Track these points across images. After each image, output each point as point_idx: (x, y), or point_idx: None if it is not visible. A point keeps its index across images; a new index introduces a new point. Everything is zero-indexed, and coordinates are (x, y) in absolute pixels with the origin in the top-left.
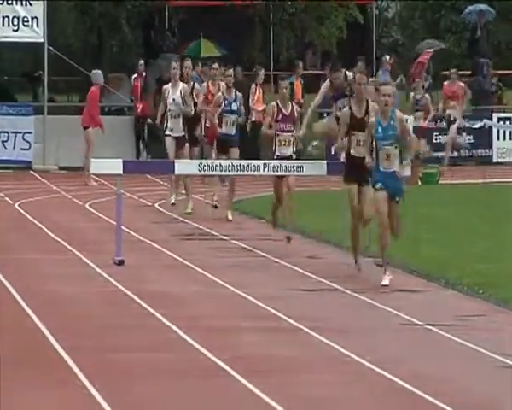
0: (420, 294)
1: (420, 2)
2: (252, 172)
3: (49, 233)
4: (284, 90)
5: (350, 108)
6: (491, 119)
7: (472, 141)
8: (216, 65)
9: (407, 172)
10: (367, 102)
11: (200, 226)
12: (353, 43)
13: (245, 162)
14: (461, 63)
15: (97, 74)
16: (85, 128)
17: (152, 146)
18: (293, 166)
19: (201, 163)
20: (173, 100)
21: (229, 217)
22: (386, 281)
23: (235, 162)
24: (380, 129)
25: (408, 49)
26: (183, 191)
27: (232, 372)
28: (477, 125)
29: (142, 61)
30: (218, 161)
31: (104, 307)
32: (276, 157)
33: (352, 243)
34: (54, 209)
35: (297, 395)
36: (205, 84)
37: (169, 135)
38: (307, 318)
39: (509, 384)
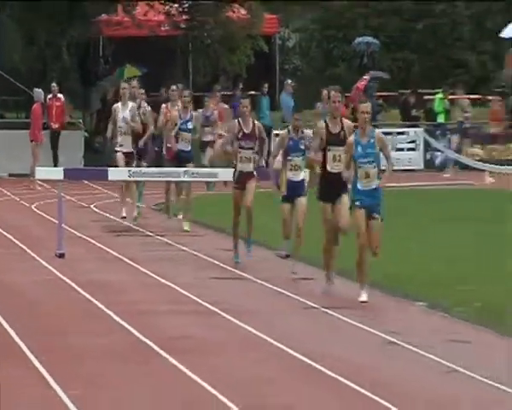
0: (317, 281)
1: (316, 34)
2: (174, 179)
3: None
4: (245, 109)
5: (326, 123)
6: None
7: None
8: (135, 83)
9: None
10: (341, 119)
11: (130, 225)
12: (260, 69)
13: (168, 170)
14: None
15: (38, 93)
16: (32, 141)
17: (87, 156)
18: (210, 173)
19: (130, 170)
20: (123, 118)
21: (186, 228)
22: (363, 297)
23: (160, 170)
24: (359, 147)
25: (307, 75)
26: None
27: (158, 350)
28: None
29: (54, 83)
30: (144, 169)
31: (47, 295)
32: (238, 174)
33: (325, 259)
34: (4, 210)
35: (217, 371)
36: (164, 105)
37: (119, 151)
38: (222, 303)
39: (393, 358)
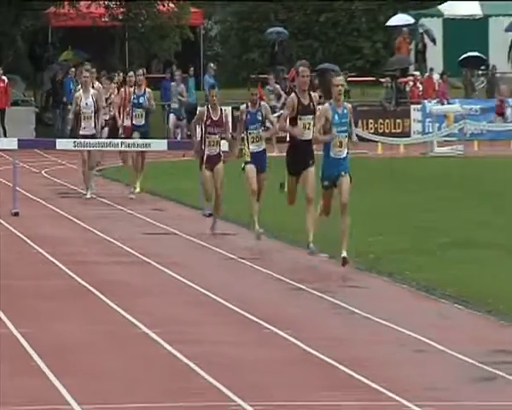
0: (235, 236)
1: (235, 25)
2: (113, 148)
3: None
4: (214, 98)
5: (297, 95)
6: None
7: None
8: (88, 66)
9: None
10: (309, 92)
11: (75, 188)
12: (187, 55)
13: (107, 141)
14: (263, 70)
15: None
16: None
17: (38, 129)
18: (144, 144)
19: (75, 141)
20: (86, 104)
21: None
22: (344, 253)
23: (100, 141)
24: (336, 116)
25: (227, 60)
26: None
27: (97, 293)
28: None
29: None
30: (88, 140)
31: (2, 246)
32: (206, 157)
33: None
34: None
35: (148, 311)
36: (122, 89)
37: (83, 134)
38: (153, 254)
39: (298, 299)
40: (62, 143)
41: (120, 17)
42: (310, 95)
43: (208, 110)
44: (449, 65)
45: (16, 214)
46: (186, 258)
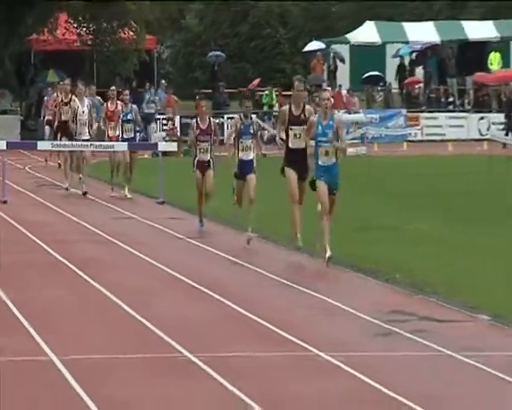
0: (183, 220)
1: (182, 49)
2: (84, 149)
3: None
4: (203, 109)
5: (289, 107)
6: None
7: None
8: (67, 81)
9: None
10: (303, 104)
11: (53, 180)
12: (143, 73)
13: (79, 143)
14: (204, 86)
15: None
16: None
17: (23, 133)
18: (108, 145)
19: (53, 143)
20: (83, 112)
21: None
22: (329, 253)
23: (75, 143)
24: (320, 127)
25: (175, 77)
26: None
27: (73, 267)
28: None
29: None
30: (64, 142)
31: None
32: (196, 161)
33: (293, 221)
34: None
35: (115, 282)
36: (105, 103)
37: (82, 136)
38: (118, 235)
39: (237, 273)
40: (42, 145)
41: (89, 43)
42: (303, 107)
43: (197, 121)
44: (354, 82)
45: (5, 202)
46: (145, 238)
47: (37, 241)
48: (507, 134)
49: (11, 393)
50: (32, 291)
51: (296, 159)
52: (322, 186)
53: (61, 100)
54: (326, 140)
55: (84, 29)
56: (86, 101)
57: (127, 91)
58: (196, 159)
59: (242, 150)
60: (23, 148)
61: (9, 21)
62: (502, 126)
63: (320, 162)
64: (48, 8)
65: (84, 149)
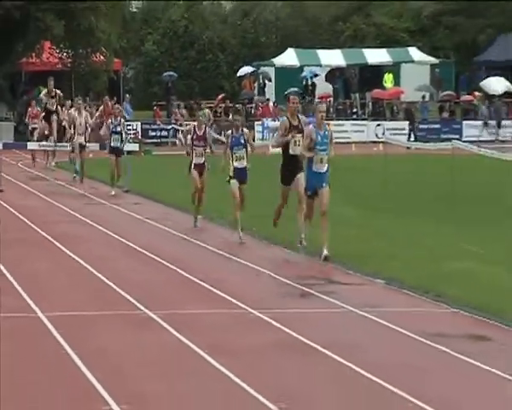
0: (143, 205)
1: (142, 70)
2: (62, 149)
3: None
4: (200, 118)
5: (287, 117)
6: None
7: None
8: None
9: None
10: (298, 115)
11: (40, 174)
12: (112, 88)
13: (61, 144)
14: (160, 100)
15: None
16: None
17: (15, 136)
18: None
19: (40, 143)
20: (80, 124)
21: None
22: (325, 252)
23: (57, 144)
24: (319, 136)
25: (137, 92)
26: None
27: (54, 241)
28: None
29: None
30: (45, 143)
31: None
32: (193, 165)
33: (276, 215)
34: None
35: (88, 253)
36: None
37: (76, 144)
38: (90, 216)
39: (181, 245)
40: (31, 145)
41: (68, 65)
42: (298, 117)
43: (195, 127)
44: (279, 97)
45: (1, 191)
46: (114, 219)
47: (27, 222)
48: (409, 138)
49: (4, 344)
50: (23, 261)
51: (293, 164)
52: (310, 200)
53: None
54: (323, 149)
55: (65, 54)
56: (84, 113)
57: (117, 106)
58: (193, 162)
59: (236, 160)
60: (16, 148)
61: (3, 49)
62: (395, 131)
63: (314, 168)
64: (35, 38)
65: (62, 149)
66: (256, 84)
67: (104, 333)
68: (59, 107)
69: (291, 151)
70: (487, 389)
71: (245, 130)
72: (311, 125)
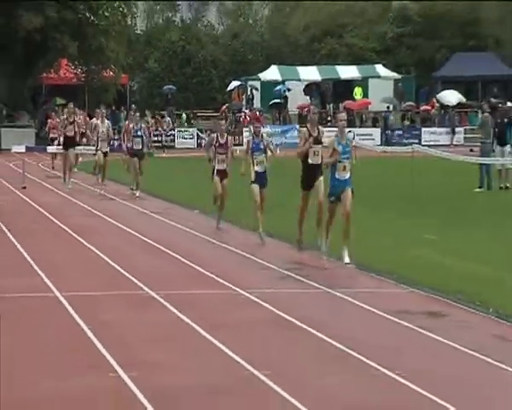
0: (150, 201)
1: (146, 84)
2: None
3: None
4: (222, 127)
5: (307, 128)
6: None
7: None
8: (71, 104)
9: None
10: (318, 126)
11: (56, 173)
12: (120, 100)
13: (81, 148)
14: (161, 109)
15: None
16: None
17: (36, 141)
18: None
19: (57, 147)
20: (103, 131)
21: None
22: (346, 259)
23: (77, 149)
24: (340, 147)
25: (141, 103)
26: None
27: (71, 232)
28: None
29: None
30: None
31: (16, 204)
32: (216, 170)
33: (299, 226)
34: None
35: (100, 242)
36: (126, 122)
37: (100, 150)
38: (103, 211)
39: (181, 235)
40: (50, 149)
41: (82, 79)
42: (318, 128)
43: (217, 136)
44: (264, 106)
45: (24, 188)
46: (121, 213)
47: (46, 214)
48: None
49: (25, 320)
50: (42, 248)
51: (313, 173)
52: (333, 204)
53: (67, 119)
54: (346, 157)
55: (79, 70)
56: (106, 122)
57: (138, 113)
58: (216, 168)
59: (257, 164)
60: (36, 151)
61: (27, 66)
62: (364, 137)
63: (337, 176)
64: (53, 56)
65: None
66: (244, 96)
67: (112, 310)
68: (76, 119)
69: (310, 161)
70: (450, 361)
71: (265, 136)
72: (333, 136)
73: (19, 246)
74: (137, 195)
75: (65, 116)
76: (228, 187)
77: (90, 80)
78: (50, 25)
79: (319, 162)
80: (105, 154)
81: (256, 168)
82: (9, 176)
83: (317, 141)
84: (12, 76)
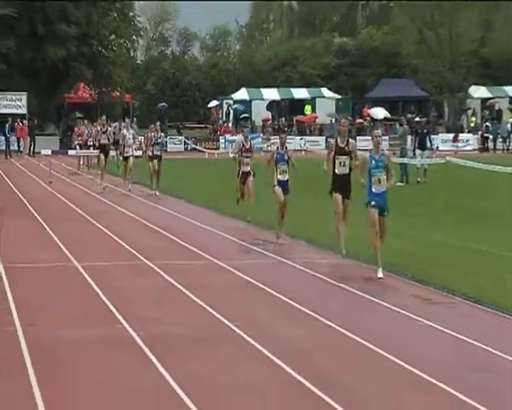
0: (144, 193)
1: (145, 102)
2: (92, 154)
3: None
4: (245, 133)
5: (336, 140)
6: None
7: None
8: (103, 117)
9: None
10: (348, 138)
11: (76, 170)
12: (124, 115)
13: (89, 151)
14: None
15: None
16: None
17: (61, 146)
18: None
19: (76, 151)
20: (129, 138)
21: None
22: (380, 274)
23: (92, 151)
24: (373, 161)
25: (142, 117)
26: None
27: (89, 218)
28: None
29: (24, 121)
30: (85, 151)
31: (45, 198)
32: (241, 172)
33: (336, 231)
34: (26, 167)
35: (112, 226)
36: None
37: (128, 155)
38: (115, 201)
39: (173, 218)
40: (71, 152)
41: (96, 98)
42: (348, 140)
43: (243, 141)
44: (238, 119)
45: (51, 182)
46: (132, 205)
47: (69, 203)
48: (415, 151)
49: (51, 284)
50: (65, 229)
51: (341, 183)
52: (373, 211)
53: (101, 129)
54: (379, 171)
55: (93, 91)
56: (131, 131)
57: (158, 123)
58: (241, 170)
59: (280, 173)
60: (60, 153)
61: (53, 88)
62: (312, 143)
63: (373, 189)
64: (73, 81)
65: (91, 154)
66: (220, 112)
67: (118, 276)
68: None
69: (337, 171)
70: (377, 315)
71: (288, 148)
72: (367, 153)
73: (46, 227)
74: (157, 193)
75: (99, 128)
76: (250, 185)
77: (102, 99)
78: (71, 56)
79: (347, 172)
80: (127, 158)
81: (279, 177)
82: (39, 173)
83: (345, 152)
84: (41, 96)
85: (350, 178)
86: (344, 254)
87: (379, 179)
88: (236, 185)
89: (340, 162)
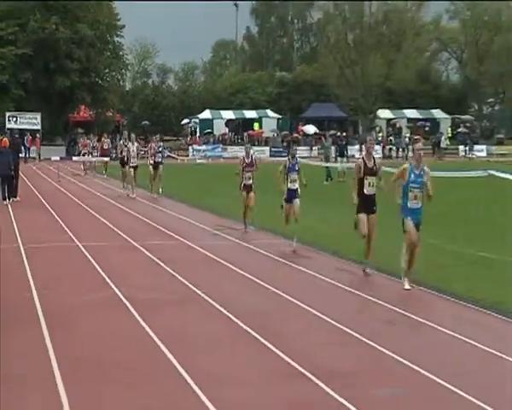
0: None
1: (132, 120)
2: (94, 159)
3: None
4: (248, 150)
5: (363, 159)
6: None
7: None
8: (126, 132)
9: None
10: (374, 157)
11: (78, 172)
12: (116, 132)
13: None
14: (140, 138)
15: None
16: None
17: (67, 154)
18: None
19: (79, 158)
20: (133, 150)
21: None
22: (407, 285)
23: (96, 158)
24: (413, 175)
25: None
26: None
27: (93, 212)
28: None
29: (37, 134)
30: (88, 157)
31: (53, 194)
32: (243, 185)
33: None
34: (36, 170)
35: (110, 217)
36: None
37: (131, 166)
38: (115, 200)
39: (155, 210)
40: (75, 158)
41: (93, 117)
42: (374, 158)
43: (244, 157)
44: (203, 134)
45: (59, 181)
46: (126, 201)
47: (74, 198)
48: (337, 158)
49: (57, 260)
50: (69, 216)
51: (368, 203)
52: (411, 224)
53: (123, 143)
54: (417, 186)
55: (91, 112)
56: (135, 144)
57: (158, 135)
58: (243, 183)
59: (290, 182)
60: (66, 159)
61: (60, 110)
62: (258, 153)
63: (409, 205)
64: (76, 104)
65: (94, 159)
66: (190, 128)
67: (111, 253)
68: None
69: (365, 191)
70: (305, 283)
71: (299, 159)
72: (407, 163)
73: (54, 214)
74: (159, 193)
75: (121, 142)
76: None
77: (98, 118)
78: (75, 85)
79: (374, 193)
80: (135, 168)
81: (289, 185)
82: (50, 174)
83: (373, 172)
84: (52, 115)
85: (375, 200)
86: (368, 269)
87: (415, 195)
88: (242, 199)
89: (370, 183)
